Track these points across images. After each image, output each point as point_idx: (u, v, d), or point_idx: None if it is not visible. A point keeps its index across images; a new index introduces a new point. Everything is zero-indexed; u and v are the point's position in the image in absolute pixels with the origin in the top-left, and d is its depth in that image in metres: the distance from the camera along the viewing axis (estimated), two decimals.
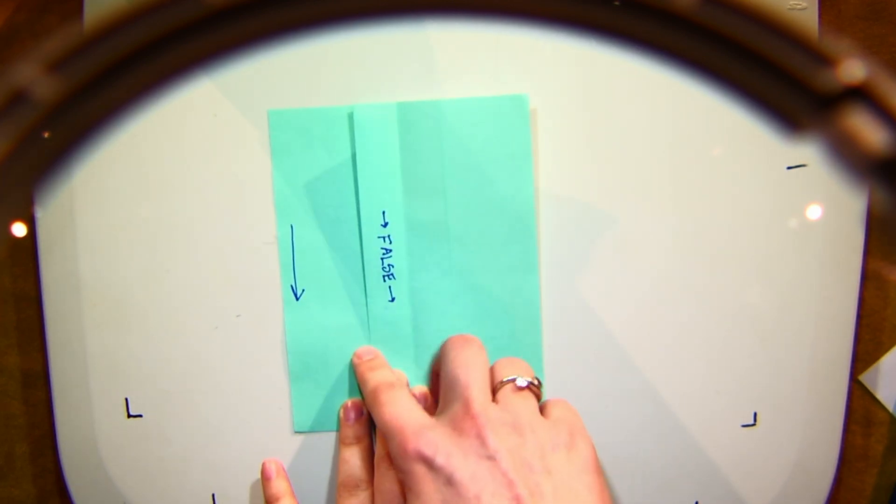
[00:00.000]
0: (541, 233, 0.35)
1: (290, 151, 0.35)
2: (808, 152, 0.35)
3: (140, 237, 0.35)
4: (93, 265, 0.35)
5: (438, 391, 0.33)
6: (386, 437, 0.31)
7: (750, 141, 0.35)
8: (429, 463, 0.28)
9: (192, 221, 0.35)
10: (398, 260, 0.35)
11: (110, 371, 0.36)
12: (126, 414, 0.36)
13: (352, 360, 0.36)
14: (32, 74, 0.13)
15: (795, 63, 0.13)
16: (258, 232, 0.35)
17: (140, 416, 0.36)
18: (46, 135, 0.13)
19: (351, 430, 0.35)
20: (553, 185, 0.35)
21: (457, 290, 0.35)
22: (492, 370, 0.32)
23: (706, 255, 0.35)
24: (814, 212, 0.35)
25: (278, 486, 0.35)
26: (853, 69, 0.13)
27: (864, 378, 0.37)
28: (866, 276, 0.36)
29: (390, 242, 0.35)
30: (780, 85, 0.13)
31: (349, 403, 0.36)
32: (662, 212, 0.35)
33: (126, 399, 0.36)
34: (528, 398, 0.31)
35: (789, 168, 0.35)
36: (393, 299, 0.35)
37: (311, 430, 0.36)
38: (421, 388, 0.36)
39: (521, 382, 0.31)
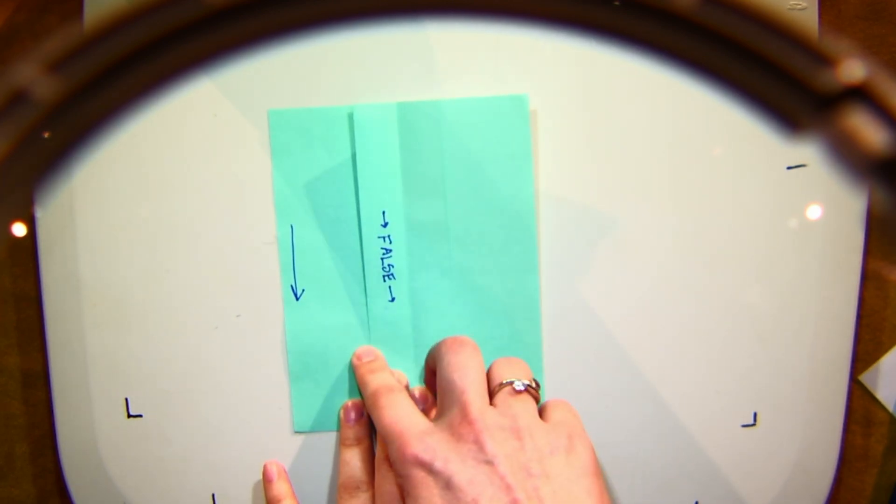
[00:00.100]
0: (541, 233, 0.35)
1: (290, 151, 0.35)
2: (808, 152, 0.35)
3: (140, 237, 0.35)
4: (93, 265, 0.35)
5: (434, 386, 0.33)
6: (385, 441, 0.31)
7: (750, 141, 0.35)
8: (427, 468, 0.29)
9: (192, 221, 0.35)
10: (398, 260, 0.35)
11: (110, 371, 0.36)
12: (126, 414, 0.36)
13: (351, 361, 0.36)
14: (32, 74, 0.13)
15: (795, 63, 0.13)
16: (258, 232, 0.35)
17: (140, 416, 0.36)
18: (46, 135, 0.13)
19: (351, 432, 0.35)
20: (553, 185, 0.35)
21: (457, 290, 0.35)
22: (490, 371, 0.32)
23: (706, 255, 0.35)
24: (814, 212, 0.35)
25: (280, 488, 0.35)
26: (853, 69, 0.13)
27: (864, 378, 0.37)
28: (866, 276, 0.36)
29: (390, 242, 0.35)
30: (780, 85, 0.13)
31: (349, 404, 0.36)
32: (662, 212, 0.35)
33: (126, 399, 0.36)
34: (527, 401, 0.31)
35: (789, 168, 0.35)
36: (393, 299, 0.35)
37: (312, 431, 0.36)
38: (421, 388, 0.36)
39: (519, 386, 0.31)
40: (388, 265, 0.35)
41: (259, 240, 0.35)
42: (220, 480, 0.36)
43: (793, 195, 0.35)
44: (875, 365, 0.37)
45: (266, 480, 0.35)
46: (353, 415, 0.35)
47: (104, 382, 0.36)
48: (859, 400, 0.37)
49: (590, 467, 0.29)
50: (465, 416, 0.29)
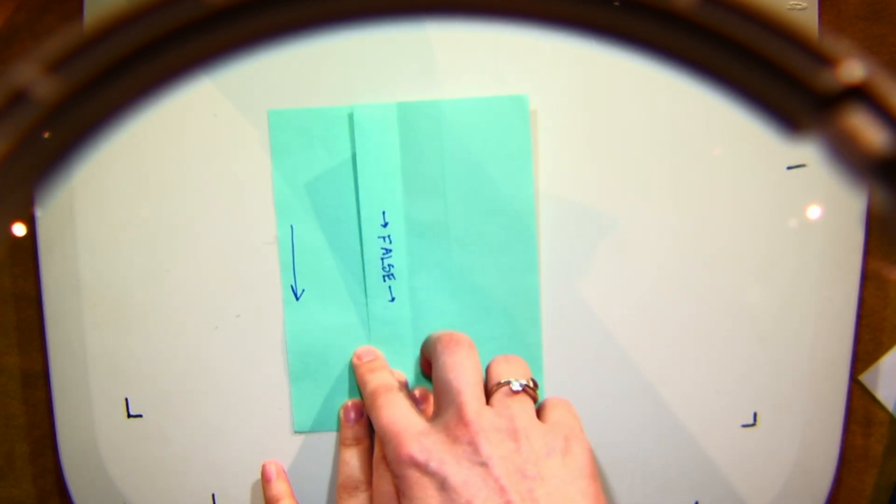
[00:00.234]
0: (541, 233, 0.35)
1: (290, 151, 0.35)
2: (808, 152, 0.35)
3: (140, 237, 0.35)
4: (93, 265, 0.35)
5: (430, 373, 0.33)
6: (382, 440, 0.31)
7: (750, 141, 0.35)
8: (422, 468, 0.29)
9: (192, 221, 0.35)
10: (398, 260, 0.35)
11: (110, 371, 0.36)
12: (126, 414, 0.36)
13: (352, 361, 0.36)
14: (32, 74, 0.13)
15: (795, 63, 0.13)
16: (258, 232, 0.35)
17: (140, 416, 0.36)
18: (46, 135, 0.13)
19: (351, 432, 0.35)
20: (553, 185, 0.35)
21: (457, 290, 0.35)
22: (488, 370, 0.32)
23: (706, 255, 0.35)
24: (814, 212, 0.35)
25: (278, 487, 0.35)
26: (853, 69, 0.13)
27: (864, 378, 0.37)
28: (866, 276, 0.36)
29: (390, 242, 0.35)
30: (780, 85, 0.13)
31: (349, 404, 0.36)
32: (662, 212, 0.35)
33: (126, 399, 0.36)
34: (524, 401, 0.31)
35: (789, 168, 0.35)
36: (393, 299, 0.35)
37: (311, 431, 0.36)
38: (421, 388, 0.36)
39: (517, 386, 0.31)
40: (388, 265, 0.35)
41: (259, 240, 0.35)
42: (220, 480, 0.36)
43: (793, 195, 0.35)
44: (875, 365, 0.37)
45: (265, 480, 0.35)
46: (352, 415, 0.35)
47: (104, 382, 0.36)
48: (859, 400, 0.37)
49: (586, 469, 0.29)
50: (460, 417, 0.29)
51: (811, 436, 0.36)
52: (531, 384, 0.31)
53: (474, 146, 0.35)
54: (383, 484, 0.31)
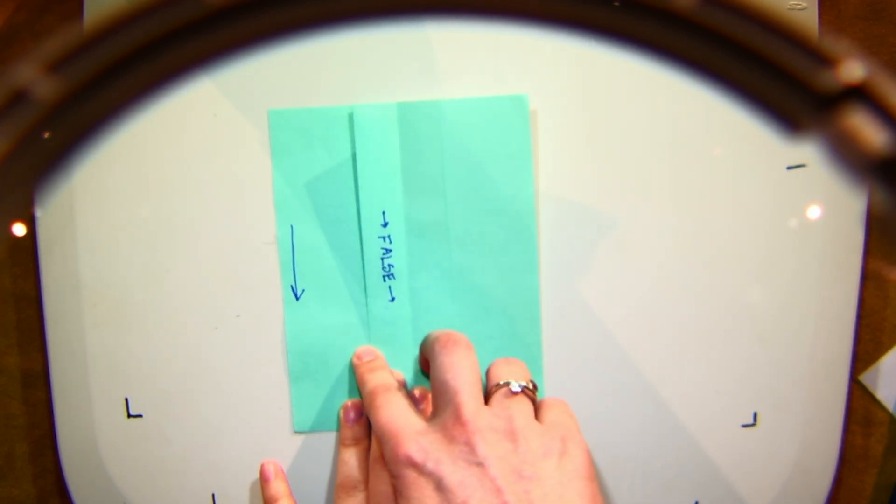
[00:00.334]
0: (541, 233, 0.35)
1: (290, 151, 0.35)
2: (808, 152, 0.35)
3: (140, 237, 0.35)
4: (93, 265, 0.35)
5: (429, 370, 0.33)
6: (380, 440, 0.31)
7: (750, 141, 0.35)
8: (419, 468, 0.29)
9: (192, 221, 0.35)
10: (398, 260, 0.35)
11: (110, 371, 0.36)
12: (126, 414, 0.36)
13: (351, 361, 0.36)
14: (32, 74, 0.13)
15: (795, 63, 0.13)
16: (258, 232, 0.35)
17: (140, 416, 0.36)
18: (46, 135, 0.13)
19: (350, 431, 0.35)
20: (553, 185, 0.35)
21: (457, 290, 0.35)
22: (488, 372, 0.32)
23: (706, 255, 0.35)
24: (814, 212, 0.35)
25: (277, 487, 0.35)
26: (853, 69, 0.13)
27: (864, 378, 0.37)
28: (866, 276, 0.36)
29: (390, 242, 0.35)
30: (780, 85, 0.13)
31: (349, 404, 0.36)
32: (662, 212, 0.35)
33: (126, 399, 0.36)
34: (522, 402, 0.31)
35: (789, 168, 0.35)
36: (393, 299, 0.35)
37: (311, 431, 0.36)
38: (420, 388, 0.36)
39: (515, 387, 0.31)
40: (388, 265, 0.35)
41: (259, 240, 0.35)
42: (220, 480, 0.36)
43: (793, 195, 0.35)
44: (875, 365, 0.37)
45: (263, 480, 0.35)
46: (352, 415, 0.35)
47: (104, 382, 0.36)
48: (859, 400, 0.37)
49: (583, 470, 0.29)
50: (458, 417, 0.29)
51: (811, 436, 0.36)
52: (530, 386, 0.31)
53: (474, 146, 0.35)
54: (380, 483, 0.31)
